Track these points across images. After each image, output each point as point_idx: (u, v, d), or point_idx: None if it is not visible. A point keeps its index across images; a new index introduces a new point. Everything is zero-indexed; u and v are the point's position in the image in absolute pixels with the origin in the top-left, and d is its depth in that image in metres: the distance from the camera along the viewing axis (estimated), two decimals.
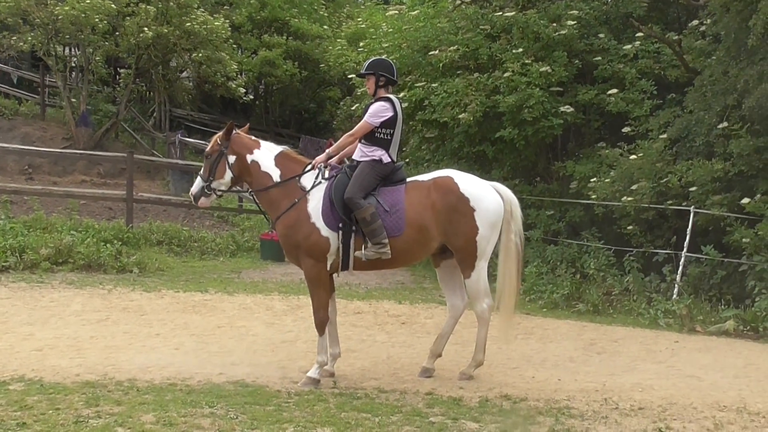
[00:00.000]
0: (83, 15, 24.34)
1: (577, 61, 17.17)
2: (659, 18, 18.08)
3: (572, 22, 16.85)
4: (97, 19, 24.75)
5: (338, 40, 31.11)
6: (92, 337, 10.10)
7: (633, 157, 15.44)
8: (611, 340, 11.75)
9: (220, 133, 8.99)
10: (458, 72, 17.48)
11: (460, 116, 16.54)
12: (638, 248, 15.28)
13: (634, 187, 15.07)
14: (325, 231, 8.60)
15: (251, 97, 33.75)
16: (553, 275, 15.59)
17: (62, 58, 28.72)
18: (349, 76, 23.79)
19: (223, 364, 9.04)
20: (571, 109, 16.63)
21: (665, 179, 14.94)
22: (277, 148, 9.07)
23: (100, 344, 9.77)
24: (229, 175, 8.88)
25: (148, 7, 25.76)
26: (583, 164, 16.79)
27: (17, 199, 19.84)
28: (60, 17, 24.41)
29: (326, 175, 8.82)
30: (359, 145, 8.93)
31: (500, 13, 17.45)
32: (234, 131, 8.95)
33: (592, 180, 16.02)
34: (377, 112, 8.76)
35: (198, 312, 12.14)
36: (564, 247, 16.41)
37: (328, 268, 8.74)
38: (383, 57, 9.79)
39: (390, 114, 8.77)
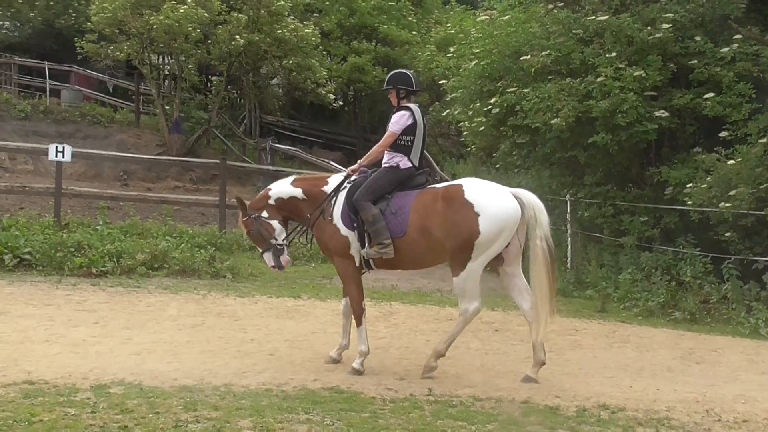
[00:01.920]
0: (177, 24, 24.85)
1: (671, 65, 16.76)
2: (758, 19, 17.51)
3: (667, 26, 16.48)
4: (189, 28, 25.24)
5: (427, 46, 31.09)
6: (188, 341, 10.20)
7: (731, 162, 15.03)
8: (710, 350, 11.49)
9: (240, 213, 9.82)
10: (550, 77, 17.27)
11: (552, 121, 16.36)
12: (737, 255, 14.89)
13: (732, 192, 14.67)
14: (344, 231, 9.26)
15: (340, 103, 33.92)
16: (647, 282, 15.28)
17: (156, 67, 29.35)
18: (440, 82, 23.76)
19: (318, 370, 9.07)
20: (666, 114, 16.28)
21: (765, 184, 14.53)
22: (289, 178, 9.97)
23: (196, 349, 9.87)
24: (277, 224, 9.63)
25: (239, 15, 26.16)
26: (678, 170, 16.42)
27: (114, 205, 20.28)
28: (155, 27, 24.94)
29: (352, 179, 9.50)
30: None
31: (593, 17, 17.18)
32: (242, 203, 9.77)
33: (687, 186, 15.63)
34: (398, 120, 9.34)
35: (291, 317, 12.22)
36: (659, 253, 16.05)
37: (357, 264, 9.36)
38: (402, 70, 10.30)
39: (410, 121, 9.31)
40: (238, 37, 25.81)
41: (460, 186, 9.10)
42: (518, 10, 19.78)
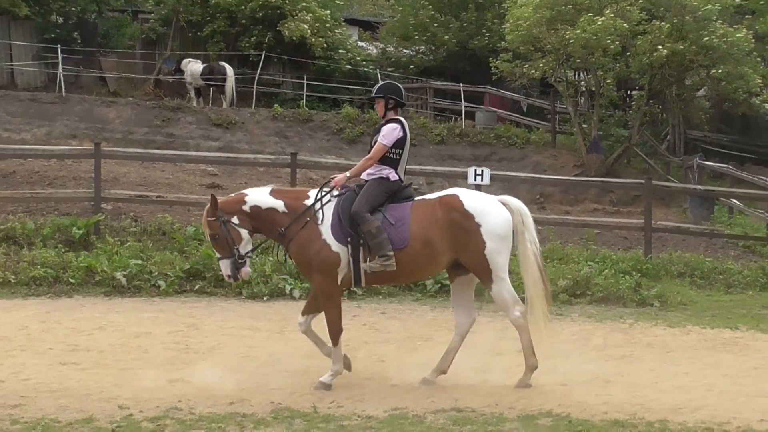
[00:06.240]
0: (594, 37, 25.00)
1: None
2: None
3: None
4: (608, 41, 25.27)
5: None
6: (617, 373, 10.15)
7: None
8: None
9: (207, 210, 9.61)
10: None
11: None
12: None
13: None
14: (335, 246, 9.43)
15: None
16: None
17: (572, 83, 29.68)
18: None
19: (764, 410, 8.63)
20: None
21: None
22: (265, 187, 10.02)
23: (625, 381, 9.82)
24: (245, 233, 9.61)
25: (661, 23, 25.74)
26: None
27: None
28: (571, 41, 25.26)
29: (335, 193, 9.65)
30: None
31: None
32: (216, 200, 9.63)
33: None
34: (389, 134, 9.65)
35: (729, 350, 11.80)
36: None
37: (339, 283, 9.55)
38: (392, 81, 10.86)
39: (401, 135, 9.69)
40: (660, 47, 25.39)
41: (457, 197, 9.66)
42: None
